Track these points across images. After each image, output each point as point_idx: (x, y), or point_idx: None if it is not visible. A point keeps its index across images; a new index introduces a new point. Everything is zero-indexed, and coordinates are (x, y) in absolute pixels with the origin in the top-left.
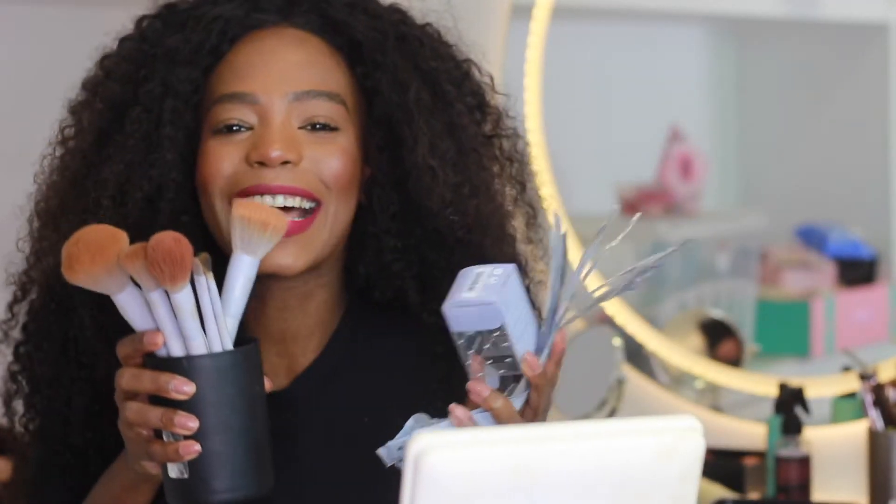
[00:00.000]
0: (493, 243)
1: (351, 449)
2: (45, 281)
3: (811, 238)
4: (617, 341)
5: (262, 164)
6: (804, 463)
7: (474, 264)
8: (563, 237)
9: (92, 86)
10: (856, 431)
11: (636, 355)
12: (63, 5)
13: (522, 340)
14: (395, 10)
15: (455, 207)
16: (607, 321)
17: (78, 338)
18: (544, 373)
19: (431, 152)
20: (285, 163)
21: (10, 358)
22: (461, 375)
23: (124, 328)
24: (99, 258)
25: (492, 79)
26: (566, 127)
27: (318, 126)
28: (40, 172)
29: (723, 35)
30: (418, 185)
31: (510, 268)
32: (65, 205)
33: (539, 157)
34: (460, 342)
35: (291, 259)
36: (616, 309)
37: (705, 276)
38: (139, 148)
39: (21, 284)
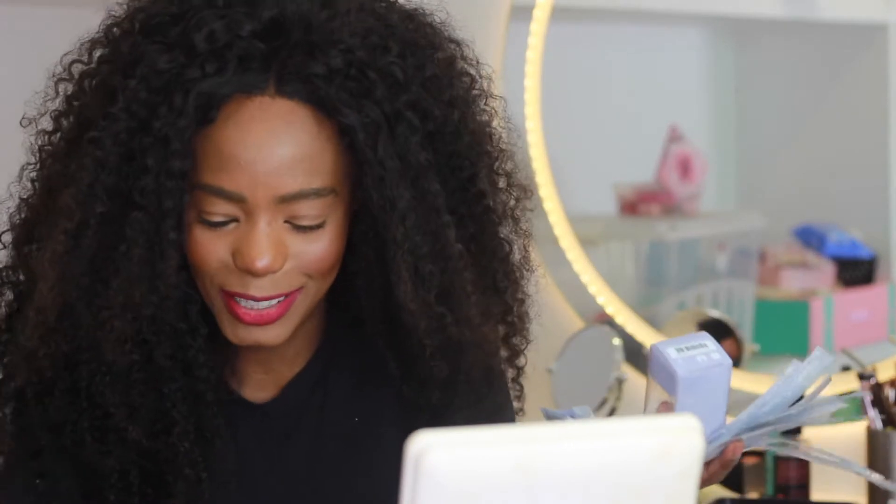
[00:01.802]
0: (473, 354)
1: (343, 449)
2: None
3: (810, 238)
4: (617, 341)
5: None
6: (803, 462)
7: (449, 364)
8: (827, 379)
9: (86, 172)
10: (855, 431)
11: (636, 355)
12: (63, 6)
13: None
14: (392, 69)
15: (433, 336)
16: (607, 321)
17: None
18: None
19: (415, 280)
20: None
21: None
22: (447, 414)
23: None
24: None
25: (490, 88)
26: (566, 127)
27: (303, 227)
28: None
29: (722, 36)
30: (399, 305)
31: (727, 363)
32: (72, 307)
33: (538, 156)
34: (649, 378)
35: (273, 337)
36: (616, 309)
37: (704, 276)
38: (143, 259)
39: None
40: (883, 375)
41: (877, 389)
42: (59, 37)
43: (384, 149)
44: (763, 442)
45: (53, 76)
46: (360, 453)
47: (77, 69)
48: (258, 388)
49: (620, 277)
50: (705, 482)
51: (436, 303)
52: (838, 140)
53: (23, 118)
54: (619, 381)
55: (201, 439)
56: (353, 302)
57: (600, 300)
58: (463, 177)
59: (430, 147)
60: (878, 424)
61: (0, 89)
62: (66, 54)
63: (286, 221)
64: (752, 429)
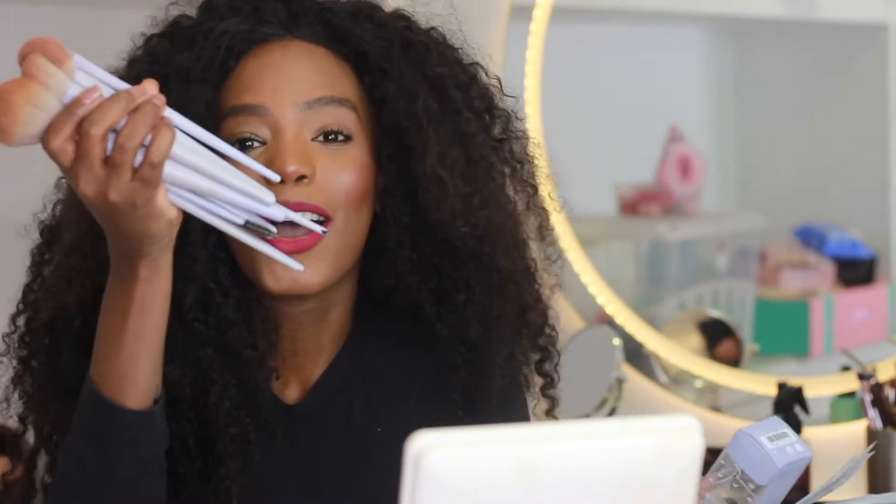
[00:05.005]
0: (503, 253)
1: (366, 459)
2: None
3: (810, 238)
4: (617, 341)
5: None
6: None
7: (487, 276)
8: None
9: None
10: (855, 431)
11: (636, 355)
12: (63, 6)
13: None
14: (400, 17)
15: (465, 218)
16: (607, 321)
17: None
18: None
19: (440, 162)
20: (301, 177)
21: (14, 368)
22: (481, 385)
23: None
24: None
25: (500, 81)
26: (566, 127)
27: (330, 136)
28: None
29: (722, 35)
30: (428, 195)
31: (809, 456)
32: (95, 241)
33: (538, 156)
34: (720, 461)
35: (309, 273)
36: (616, 309)
37: (704, 276)
38: None
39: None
40: (883, 375)
41: (877, 389)
42: (60, 37)
43: (398, 63)
44: None
45: None
46: (384, 460)
47: None
48: (283, 385)
49: (620, 277)
50: None
51: (462, 183)
52: (838, 140)
53: None
54: (619, 381)
55: (245, 400)
56: (382, 260)
57: (600, 300)
58: (482, 125)
59: (447, 71)
60: (879, 424)
61: None
62: None
63: (314, 140)
64: None
